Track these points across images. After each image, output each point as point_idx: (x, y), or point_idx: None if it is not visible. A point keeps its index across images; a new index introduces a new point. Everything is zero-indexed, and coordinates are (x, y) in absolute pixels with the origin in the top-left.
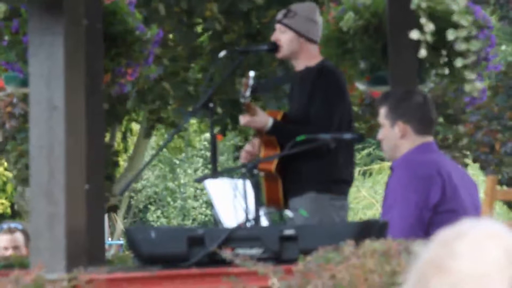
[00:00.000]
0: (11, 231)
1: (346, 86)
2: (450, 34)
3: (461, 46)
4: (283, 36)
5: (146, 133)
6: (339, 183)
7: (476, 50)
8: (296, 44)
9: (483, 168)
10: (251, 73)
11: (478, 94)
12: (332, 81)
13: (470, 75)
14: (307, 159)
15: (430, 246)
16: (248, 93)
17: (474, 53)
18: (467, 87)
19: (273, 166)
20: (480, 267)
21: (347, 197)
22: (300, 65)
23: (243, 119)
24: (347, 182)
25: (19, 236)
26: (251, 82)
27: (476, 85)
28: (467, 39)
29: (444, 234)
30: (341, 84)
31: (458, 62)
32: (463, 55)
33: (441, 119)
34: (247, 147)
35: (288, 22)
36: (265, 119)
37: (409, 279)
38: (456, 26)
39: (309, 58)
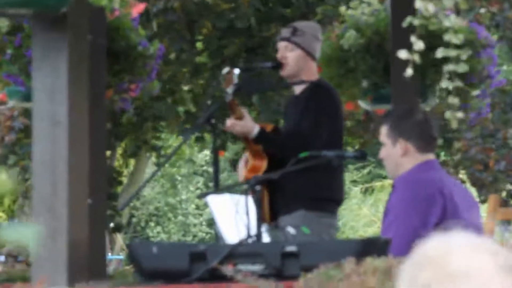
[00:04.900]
0: None
1: (341, 105)
2: (439, 53)
3: (448, 67)
4: (290, 54)
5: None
6: (328, 202)
7: (463, 72)
8: (303, 62)
9: (476, 185)
10: (236, 70)
11: (481, 109)
12: (326, 97)
13: (453, 100)
14: (297, 177)
15: (419, 266)
16: (231, 90)
17: (460, 75)
18: (447, 115)
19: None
20: (480, 276)
21: (336, 215)
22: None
23: (228, 122)
24: (336, 200)
25: None
26: (235, 79)
27: (457, 115)
28: (457, 59)
29: (430, 253)
30: (335, 101)
31: (444, 84)
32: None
33: (441, 141)
34: (242, 165)
35: (297, 40)
36: (250, 124)
37: None
38: (447, 45)
39: (309, 75)
